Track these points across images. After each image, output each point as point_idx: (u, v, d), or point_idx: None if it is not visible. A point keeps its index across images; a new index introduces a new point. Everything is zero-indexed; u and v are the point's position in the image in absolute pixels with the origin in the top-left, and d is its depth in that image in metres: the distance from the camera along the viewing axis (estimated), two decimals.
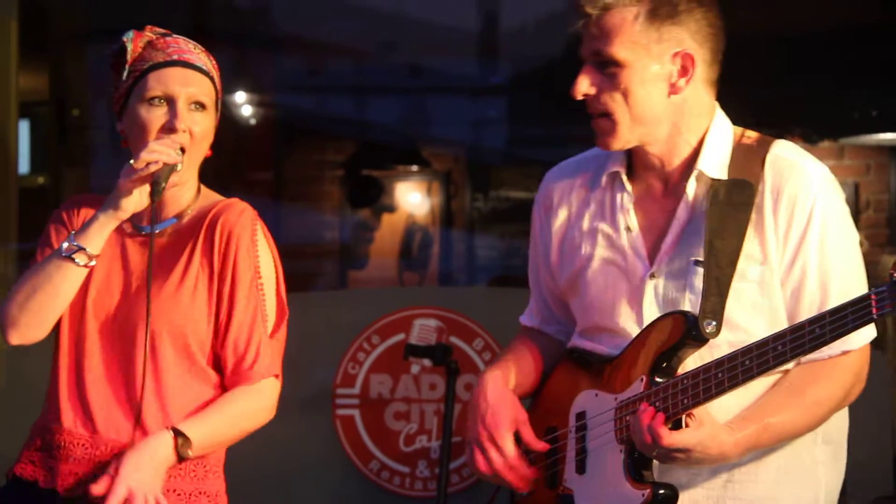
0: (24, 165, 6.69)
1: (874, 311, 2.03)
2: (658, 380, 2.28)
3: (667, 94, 2.34)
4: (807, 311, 2.27)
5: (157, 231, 2.59)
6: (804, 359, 2.29)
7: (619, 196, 2.44)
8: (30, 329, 2.54)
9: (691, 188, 2.35)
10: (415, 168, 7.70)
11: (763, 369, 2.15)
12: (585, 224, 2.48)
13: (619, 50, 2.30)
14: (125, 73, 2.59)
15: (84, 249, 2.51)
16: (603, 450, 2.37)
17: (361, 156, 7.61)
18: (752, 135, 2.41)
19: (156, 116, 2.56)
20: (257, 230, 2.58)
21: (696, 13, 2.33)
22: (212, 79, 2.66)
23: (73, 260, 2.51)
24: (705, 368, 2.21)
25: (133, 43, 2.59)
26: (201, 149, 2.64)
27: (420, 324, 4.63)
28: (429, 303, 4.73)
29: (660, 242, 2.37)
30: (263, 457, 4.64)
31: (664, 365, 2.29)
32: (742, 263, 2.29)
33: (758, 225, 2.31)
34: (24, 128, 6.58)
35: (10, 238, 5.29)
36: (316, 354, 4.74)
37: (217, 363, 2.58)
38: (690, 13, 2.32)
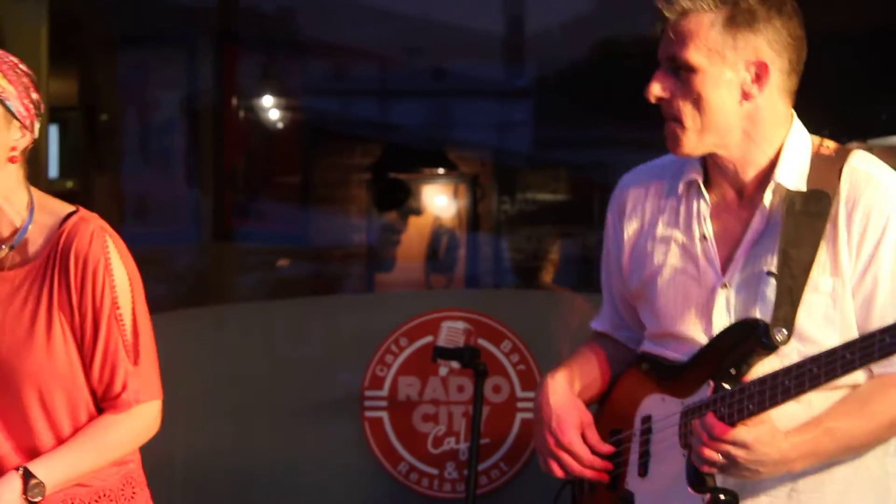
0: (53, 170, 6.74)
1: None
2: (725, 386, 2.26)
3: (739, 102, 2.32)
4: (878, 322, 2.25)
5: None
6: (876, 372, 2.29)
7: (695, 204, 2.43)
8: None
9: (768, 199, 2.34)
10: (441, 171, 7.71)
11: (831, 377, 2.13)
12: (659, 231, 2.47)
13: (694, 55, 2.29)
14: None
15: None
16: (666, 454, 2.37)
17: (388, 159, 7.62)
18: (830, 145, 2.40)
19: None
20: (109, 253, 2.48)
21: (776, 22, 2.32)
22: None
23: None
24: (773, 375, 2.19)
25: None
26: None
27: (448, 326, 4.63)
28: (456, 305, 4.73)
29: (733, 252, 2.37)
30: (292, 459, 4.66)
31: (733, 371, 2.27)
32: (815, 274, 2.28)
33: (831, 236, 2.30)
34: (53, 133, 6.63)
35: None
36: (344, 357, 4.76)
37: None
38: (769, 22, 2.31)
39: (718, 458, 2.22)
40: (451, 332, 4.61)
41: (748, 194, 2.38)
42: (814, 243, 2.27)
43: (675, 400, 2.38)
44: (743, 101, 2.32)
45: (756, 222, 2.35)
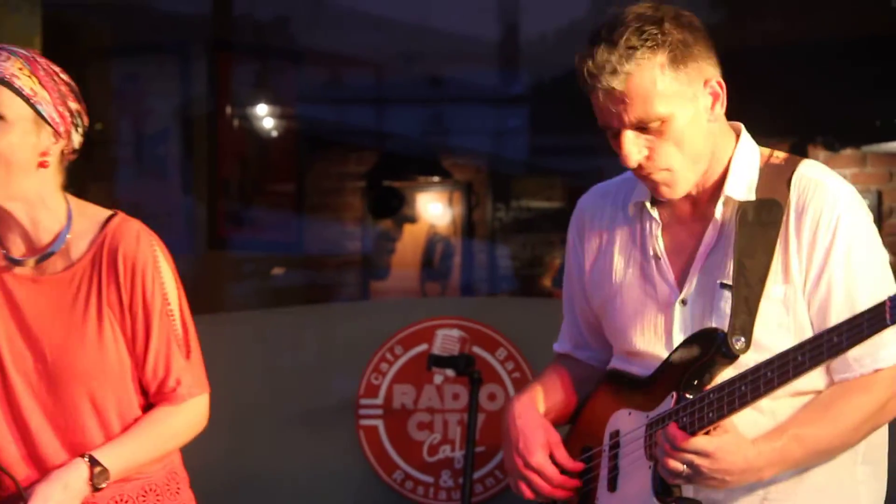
0: None
1: (888, 316, 2.01)
2: (688, 396, 2.27)
3: (706, 128, 2.33)
4: None
5: (41, 261, 2.52)
6: (836, 378, 2.29)
7: (647, 224, 2.43)
8: None
9: (719, 211, 2.35)
10: (436, 179, 7.72)
11: (784, 380, 2.14)
12: (616, 250, 2.48)
13: (662, 107, 2.27)
14: None
15: None
16: (633, 467, 2.37)
17: (383, 167, 7.63)
18: (780, 155, 2.40)
19: None
20: (157, 254, 2.54)
21: (699, 36, 2.31)
22: (12, 86, 2.45)
23: None
24: (729, 382, 2.20)
25: None
26: (14, 162, 2.46)
27: (443, 334, 4.63)
28: (451, 313, 4.73)
29: (688, 267, 2.37)
30: (287, 467, 4.66)
31: (695, 382, 2.28)
32: (768, 282, 2.28)
33: (783, 244, 2.30)
34: None
35: None
36: (338, 365, 4.76)
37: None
38: (696, 42, 2.30)
39: (682, 468, 2.22)
40: (447, 339, 4.61)
41: (700, 208, 2.39)
42: (768, 252, 2.28)
43: (640, 413, 2.38)
44: (710, 122, 2.33)
45: (709, 236, 2.35)
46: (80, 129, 2.53)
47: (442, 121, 8.17)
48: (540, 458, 2.47)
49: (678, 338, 2.35)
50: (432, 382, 4.63)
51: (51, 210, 2.52)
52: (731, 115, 2.42)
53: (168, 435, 2.56)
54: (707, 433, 2.21)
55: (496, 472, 4.58)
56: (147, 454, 2.54)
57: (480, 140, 8.12)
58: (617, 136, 2.31)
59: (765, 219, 2.30)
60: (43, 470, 2.49)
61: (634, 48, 2.26)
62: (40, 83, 2.47)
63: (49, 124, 2.47)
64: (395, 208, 7.37)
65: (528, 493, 2.49)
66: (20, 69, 2.45)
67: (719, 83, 2.32)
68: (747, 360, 2.24)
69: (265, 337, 4.89)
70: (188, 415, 2.57)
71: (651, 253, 2.42)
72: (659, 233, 2.41)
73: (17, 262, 2.53)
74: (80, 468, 2.45)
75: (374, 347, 4.67)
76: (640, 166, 2.31)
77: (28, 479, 2.49)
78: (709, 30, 2.37)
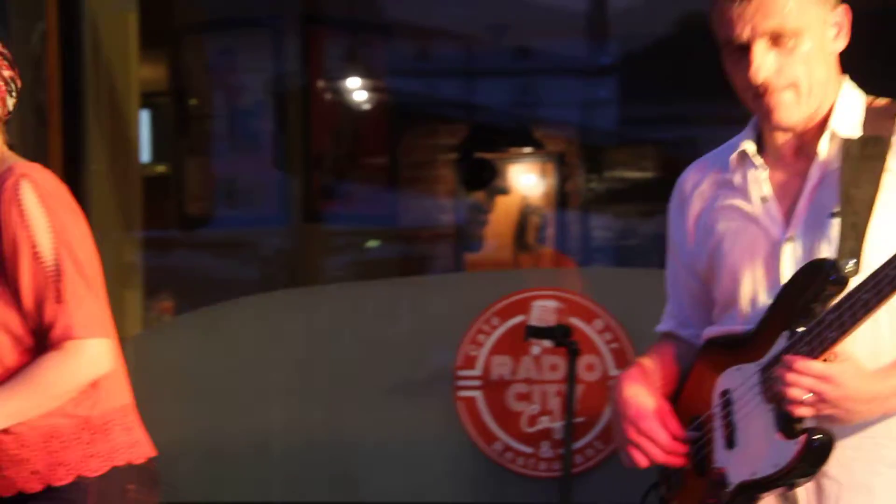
0: (144, 155, 6.82)
1: None
2: (800, 330, 2.22)
3: (828, 56, 2.32)
4: None
5: None
6: None
7: (750, 172, 2.43)
8: None
9: (824, 147, 2.33)
10: (528, 150, 7.69)
11: None
12: (719, 204, 2.47)
13: (797, 19, 2.26)
14: None
15: None
16: (751, 416, 2.32)
17: (474, 139, 7.61)
18: (882, 100, 2.39)
19: None
20: (22, 197, 2.57)
21: None
22: None
23: None
24: (847, 295, 2.16)
25: None
26: None
27: (539, 305, 4.62)
28: (545, 284, 4.72)
29: (794, 206, 2.35)
30: (386, 438, 4.68)
31: (806, 316, 2.23)
32: (875, 209, 2.25)
33: (890, 175, 2.28)
34: (144, 118, 6.70)
35: (135, 226, 5.40)
36: (434, 337, 4.76)
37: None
38: None
39: (806, 395, 2.18)
40: (543, 310, 4.60)
41: (804, 146, 2.37)
42: (874, 183, 2.26)
43: (750, 365, 2.34)
44: (828, 55, 2.32)
45: (814, 172, 2.33)
46: (13, 94, 2.67)
47: (531, 92, 8.13)
48: (651, 424, 2.44)
49: (786, 277, 2.32)
50: (530, 353, 4.63)
51: None
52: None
53: (49, 382, 2.58)
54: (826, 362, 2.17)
55: (595, 442, 4.56)
56: (27, 403, 2.58)
57: (570, 111, 8.08)
58: (744, 50, 2.29)
59: (870, 153, 2.28)
60: None
61: None
62: None
63: None
64: (487, 180, 7.34)
65: (640, 461, 2.46)
66: None
67: (846, 14, 2.31)
68: None
69: (360, 309, 4.91)
70: (68, 359, 2.58)
71: (757, 197, 2.40)
72: (765, 175, 2.40)
73: None
74: None
75: (468, 319, 4.67)
76: (765, 82, 2.29)
77: None
78: None
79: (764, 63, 2.28)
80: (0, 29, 3.74)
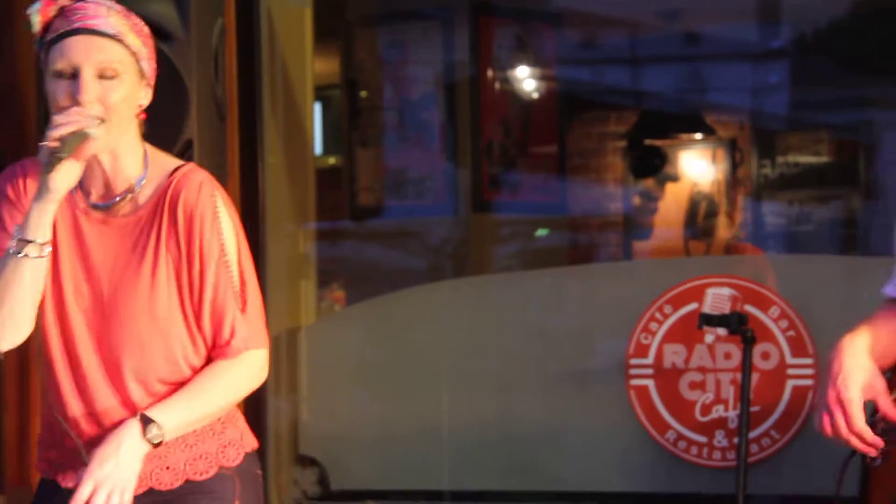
0: (317, 147, 6.93)
1: None
2: None
3: None
4: None
5: (112, 205, 2.58)
6: None
7: None
8: (10, 332, 2.51)
9: None
10: (698, 136, 7.59)
11: None
12: None
13: None
14: (37, 48, 2.53)
15: (33, 241, 2.46)
16: None
17: (643, 126, 7.55)
18: None
19: (63, 90, 2.47)
20: (217, 204, 2.56)
21: None
22: (124, 42, 2.51)
23: (26, 255, 2.46)
24: None
25: (40, 14, 2.51)
26: (123, 116, 2.53)
27: (713, 292, 4.57)
28: (717, 272, 4.66)
29: None
30: (558, 426, 4.69)
31: None
32: None
33: None
34: (317, 111, 6.81)
35: (309, 218, 5.50)
36: (604, 325, 4.76)
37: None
38: None
39: None
40: (717, 298, 4.55)
41: None
42: None
43: None
44: None
45: None
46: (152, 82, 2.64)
47: (700, 78, 8.03)
48: (853, 395, 2.38)
49: None
50: (703, 342, 4.58)
51: (131, 158, 2.59)
52: None
53: (222, 389, 2.58)
54: None
55: (772, 431, 4.50)
56: (202, 409, 2.57)
57: (741, 96, 7.95)
58: None
59: None
60: (89, 405, 2.56)
61: None
62: (139, 38, 2.56)
63: (146, 78, 2.58)
64: (657, 167, 7.28)
65: (827, 428, 2.41)
66: (124, 25, 2.53)
67: None
68: None
69: (529, 298, 4.92)
70: (243, 368, 2.59)
71: None
72: None
73: (93, 207, 2.60)
74: (132, 427, 2.48)
75: (639, 307, 4.65)
76: None
77: (73, 414, 2.56)
78: None
79: None
80: (181, 25, 3.83)
